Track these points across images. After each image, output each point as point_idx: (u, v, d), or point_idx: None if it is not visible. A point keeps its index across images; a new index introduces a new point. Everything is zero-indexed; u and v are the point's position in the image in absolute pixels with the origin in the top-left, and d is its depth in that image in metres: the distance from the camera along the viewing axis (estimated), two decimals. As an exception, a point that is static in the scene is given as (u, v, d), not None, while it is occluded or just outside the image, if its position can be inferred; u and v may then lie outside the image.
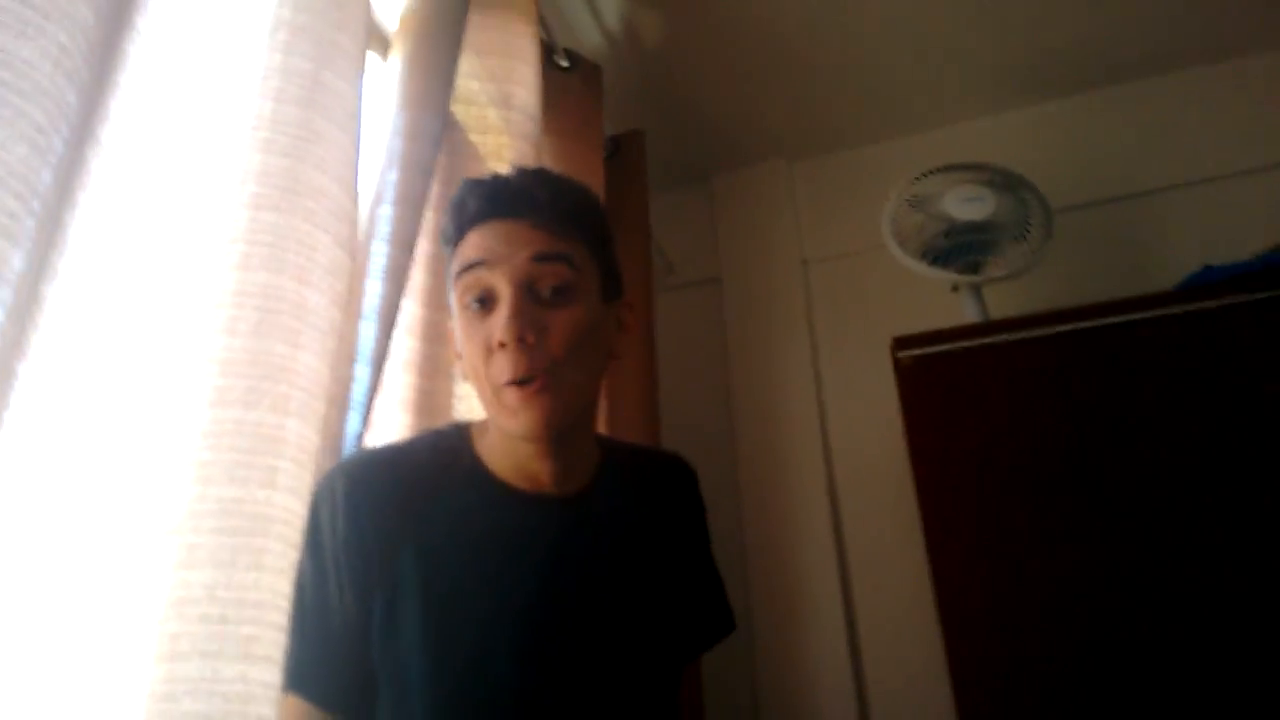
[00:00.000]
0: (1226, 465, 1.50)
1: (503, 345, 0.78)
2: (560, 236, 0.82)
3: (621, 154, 2.19)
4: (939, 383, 1.73)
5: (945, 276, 1.93)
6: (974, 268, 1.93)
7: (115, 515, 0.83)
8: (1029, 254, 1.90)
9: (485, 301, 0.82)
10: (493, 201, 0.83)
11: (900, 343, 1.79)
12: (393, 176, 1.26)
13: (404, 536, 0.81)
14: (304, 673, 0.80)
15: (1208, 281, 1.64)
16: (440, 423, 1.26)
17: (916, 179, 1.99)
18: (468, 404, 1.32)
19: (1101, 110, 2.33)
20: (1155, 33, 2.15)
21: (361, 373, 1.10)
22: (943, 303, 2.08)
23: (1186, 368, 1.58)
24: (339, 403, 1.05)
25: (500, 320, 0.78)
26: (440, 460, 0.87)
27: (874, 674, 2.01)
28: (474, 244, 0.82)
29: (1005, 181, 1.94)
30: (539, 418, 0.79)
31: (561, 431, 0.81)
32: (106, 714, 0.77)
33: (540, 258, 0.81)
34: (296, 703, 0.80)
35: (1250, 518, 1.46)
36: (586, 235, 0.85)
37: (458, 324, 0.85)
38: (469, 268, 0.82)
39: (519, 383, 0.78)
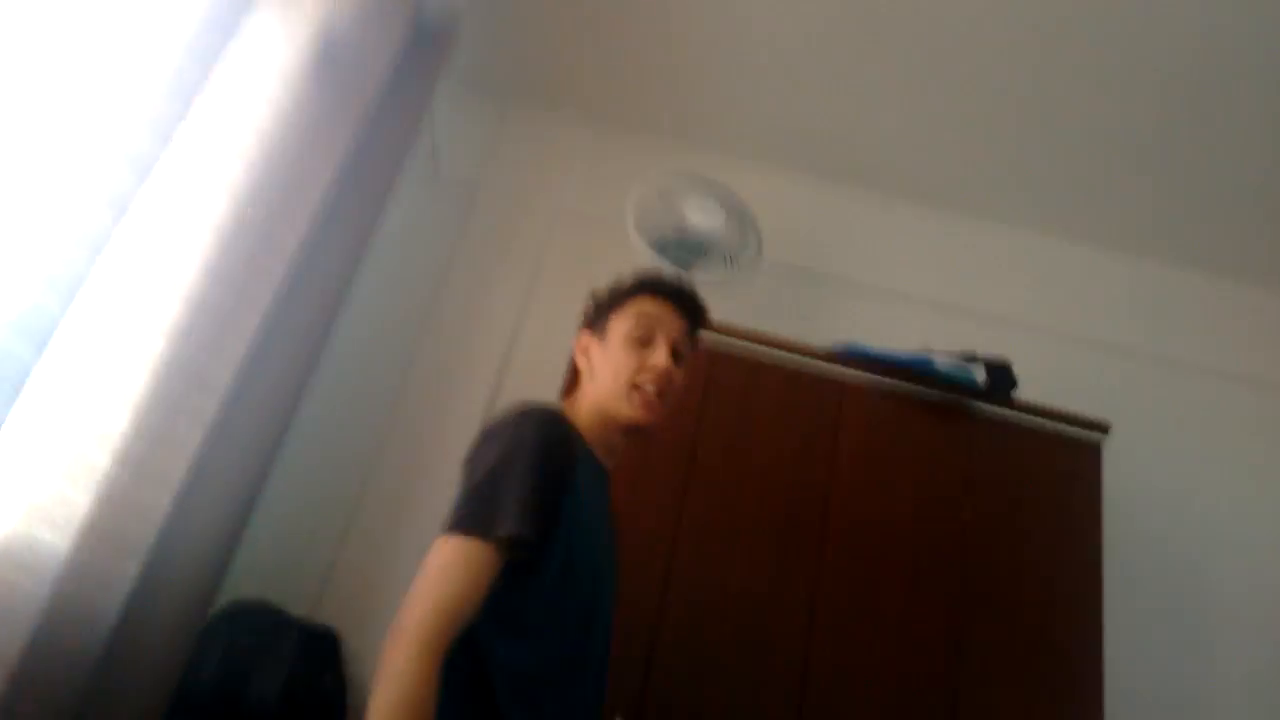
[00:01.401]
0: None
1: (657, 372, 1.30)
2: (691, 330, 1.38)
3: (433, 44, 2.19)
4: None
5: (663, 265, 2.13)
6: (686, 267, 2.15)
7: None
8: (735, 274, 2.16)
9: (647, 342, 1.32)
10: (667, 288, 1.38)
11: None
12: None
13: (571, 471, 1.19)
14: (516, 519, 1.09)
15: (844, 354, 2.00)
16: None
17: (671, 174, 2.19)
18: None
19: (831, 197, 2.70)
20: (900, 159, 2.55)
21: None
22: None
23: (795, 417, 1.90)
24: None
25: (660, 357, 1.31)
26: (577, 442, 1.26)
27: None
28: (653, 305, 1.35)
29: (737, 209, 2.18)
30: (651, 417, 1.30)
31: (634, 433, 1.33)
32: None
33: (682, 337, 1.36)
34: (485, 547, 1.07)
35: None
36: (695, 330, 1.41)
37: (613, 346, 1.34)
38: (644, 315, 1.35)
39: (648, 395, 1.29)
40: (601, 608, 1.25)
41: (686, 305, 1.38)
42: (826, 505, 1.82)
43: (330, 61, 1.72)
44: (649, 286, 1.37)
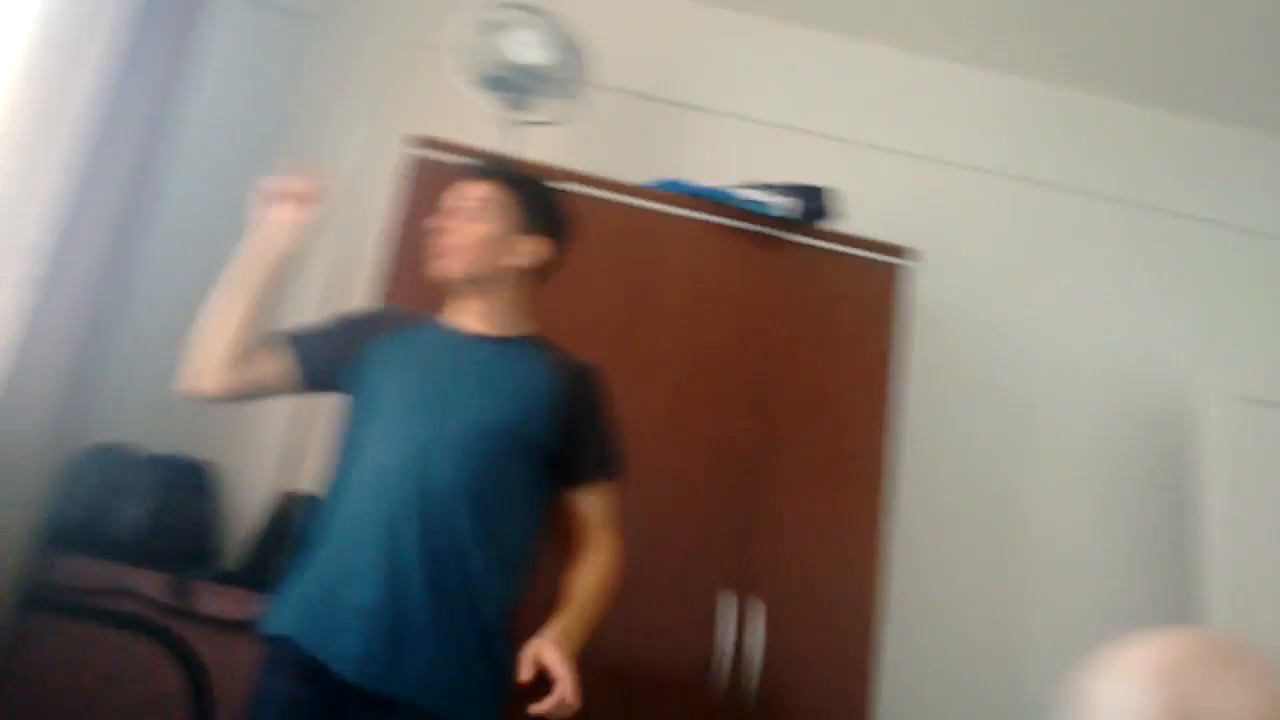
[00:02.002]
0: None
1: (435, 230, 1.53)
2: (493, 189, 1.52)
3: None
4: (438, 190, 1.91)
5: (489, 105, 2.16)
6: (517, 105, 2.17)
7: None
8: (565, 108, 2.19)
9: (450, 211, 1.52)
10: (466, 169, 1.57)
11: (421, 141, 1.97)
12: None
13: (395, 330, 1.53)
14: (300, 334, 1.50)
15: (661, 190, 2.08)
16: None
17: (488, 6, 2.16)
18: None
19: (689, 19, 2.68)
20: None
21: None
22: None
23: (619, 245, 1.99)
24: None
25: (436, 219, 1.53)
26: (428, 319, 1.57)
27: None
28: (454, 190, 1.53)
29: (563, 40, 2.18)
30: (439, 269, 1.51)
31: (456, 283, 1.52)
32: None
33: (474, 195, 1.51)
34: (280, 343, 1.47)
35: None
36: (513, 193, 1.53)
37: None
38: (446, 200, 1.54)
39: (442, 247, 1.51)
40: (414, 429, 1.40)
41: (480, 173, 1.54)
42: (645, 336, 1.96)
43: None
44: (462, 175, 1.56)
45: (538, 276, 1.56)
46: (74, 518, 1.81)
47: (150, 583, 1.78)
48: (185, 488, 1.96)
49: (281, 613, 1.36)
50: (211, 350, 1.40)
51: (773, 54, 2.70)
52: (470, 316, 1.52)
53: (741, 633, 1.81)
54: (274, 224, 1.41)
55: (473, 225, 1.49)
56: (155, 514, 1.86)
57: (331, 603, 1.32)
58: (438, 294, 1.82)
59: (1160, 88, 2.71)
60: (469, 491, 1.38)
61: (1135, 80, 2.70)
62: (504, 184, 1.52)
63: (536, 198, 1.55)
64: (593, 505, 1.52)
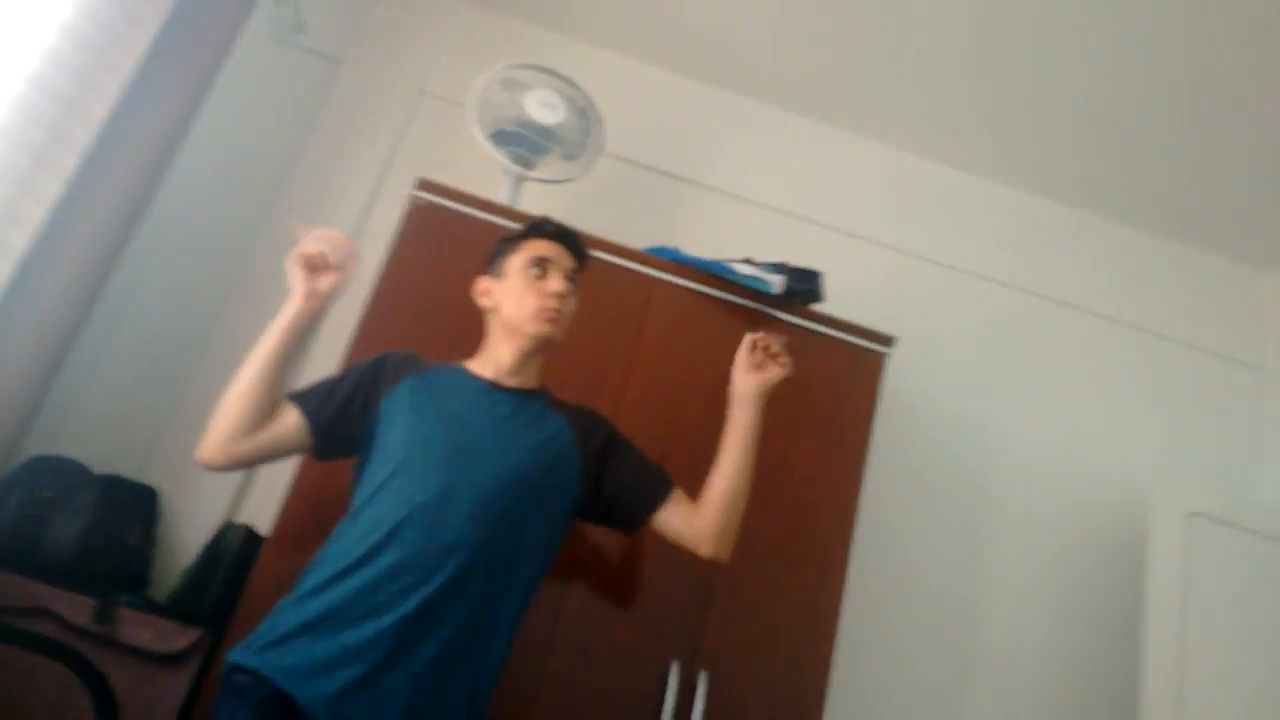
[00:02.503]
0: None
1: (556, 294, 1.54)
2: (578, 263, 1.62)
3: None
4: (437, 234, 1.95)
5: (498, 158, 2.17)
6: (525, 162, 2.19)
7: None
8: (573, 170, 2.21)
9: (542, 275, 1.55)
10: (552, 230, 1.61)
11: (423, 184, 1.99)
12: None
13: (409, 376, 1.51)
14: (308, 394, 1.48)
15: (653, 255, 2.10)
16: None
17: (515, 66, 2.19)
18: None
19: (696, 99, 2.78)
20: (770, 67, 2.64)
21: None
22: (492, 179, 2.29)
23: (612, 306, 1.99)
24: None
25: (556, 283, 1.55)
26: (445, 365, 1.58)
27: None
28: (544, 246, 1.58)
29: (580, 104, 2.21)
30: (556, 331, 1.55)
31: (544, 346, 1.56)
32: None
33: (571, 270, 1.60)
34: (290, 406, 1.46)
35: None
36: (582, 265, 1.63)
37: (511, 279, 1.57)
38: (537, 254, 1.57)
39: (552, 312, 1.53)
40: (432, 478, 1.39)
41: (571, 244, 1.61)
42: (623, 397, 1.93)
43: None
44: (537, 230, 1.61)
45: None
46: (3, 528, 1.72)
47: (72, 605, 1.68)
48: (123, 510, 1.87)
49: (254, 643, 1.30)
50: (223, 424, 1.38)
51: (771, 138, 2.78)
52: (497, 368, 1.55)
53: (689, 704, 1.75)
54: (294, 294, 1.41)
55: (573, 300, 1.60)
56: (87, 534, 1.77)
57: (314, 640, 1.27)
58: (423, 332, 1.83)
59: (1139, 208, 2.79)
60: (481, 544, 1.36)
61: (1117, 199, 2.78)
62: (583, 264, 1.63)
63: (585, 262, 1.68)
64: (681, 502, 1.56)
